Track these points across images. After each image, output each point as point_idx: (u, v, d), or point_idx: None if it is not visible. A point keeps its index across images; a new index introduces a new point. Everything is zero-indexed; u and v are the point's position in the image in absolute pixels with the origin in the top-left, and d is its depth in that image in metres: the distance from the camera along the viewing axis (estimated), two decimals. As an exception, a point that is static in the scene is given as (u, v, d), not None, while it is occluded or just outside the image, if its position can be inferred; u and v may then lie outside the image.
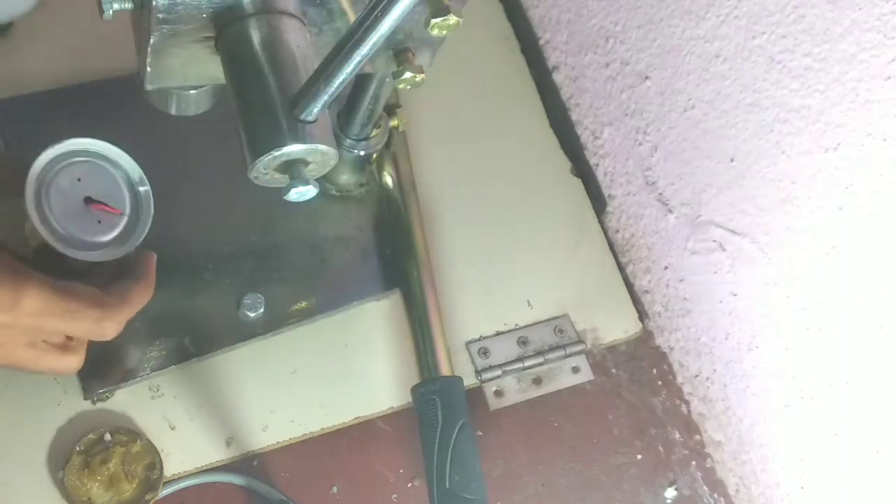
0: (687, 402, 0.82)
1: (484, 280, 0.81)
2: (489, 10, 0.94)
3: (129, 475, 0.66)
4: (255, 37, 0.50)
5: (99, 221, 0.59)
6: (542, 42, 0.92)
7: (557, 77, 0.90)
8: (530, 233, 0.84)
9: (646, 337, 0.84)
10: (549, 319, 0.81)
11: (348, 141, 0.74)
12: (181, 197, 0.73)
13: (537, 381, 0.79)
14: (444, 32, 0.49)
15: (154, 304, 0.63)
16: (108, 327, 0.57)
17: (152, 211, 0.61)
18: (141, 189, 0.61)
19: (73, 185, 0.58)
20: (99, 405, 0.68)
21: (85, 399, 0.68)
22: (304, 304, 0.74)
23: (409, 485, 0.72)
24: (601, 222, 0.87)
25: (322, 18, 0.54)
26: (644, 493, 0.77)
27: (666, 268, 0.81)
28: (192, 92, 0.59)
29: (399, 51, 0.57)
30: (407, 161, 0.82)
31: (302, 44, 0.51)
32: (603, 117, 0.84)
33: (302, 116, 0.48)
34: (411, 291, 0.77)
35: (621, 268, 0.86)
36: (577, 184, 0.88)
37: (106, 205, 0.60)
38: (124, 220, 0.61)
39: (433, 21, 0.48)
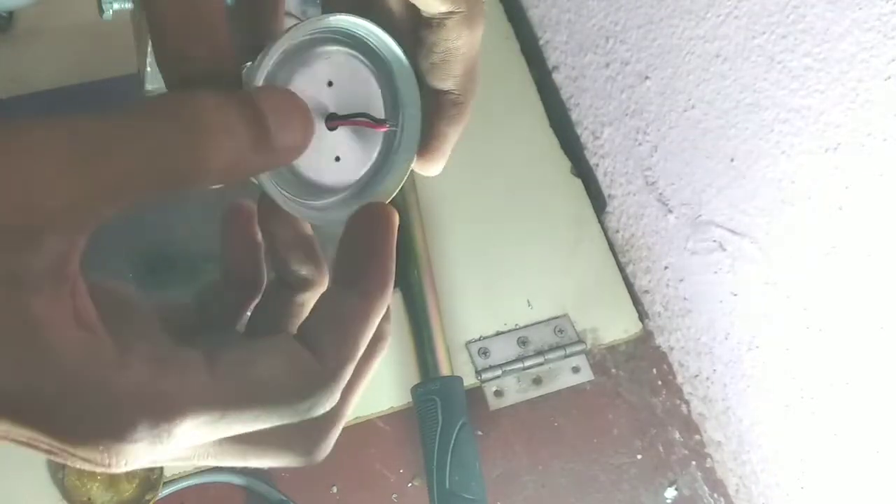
0: (687, 402, 0.82)
1: (484, 280, 0.81)
2: (489, 10, 0.94)
3: (128, 475, 0.66)
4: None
5: (337, 159, 0.34)
6: (542, 42, 0.92)
7: (557, 77, 0.90)
8: (530, 233, 0.84)
9: (646, 337, 0.84)
10: (549, 319, 0.81)
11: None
12: (181, 196, 0.73)
13: (537, 381, 0.79)
14: None
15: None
16: (322, 447, 0.31)
17: (414, 150, 0.35)
18: (407, 111, 0.35)
19: (318, 93, 0.33)
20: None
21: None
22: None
23: (409, 485, 0.72)
24: (601, 222, 0.87)
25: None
26: (644, 493, 0.77)
27: (666, 268, 0.81)
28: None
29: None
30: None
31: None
32: (603, 117, 0.84)
33: None
34: (411, 291, 0.77)
35: (621, 268, 0.86)
36: (577, 184, 0.88)
37: (370, 119, 0.33)
38: (372, 158, 0.35)
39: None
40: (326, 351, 0.28)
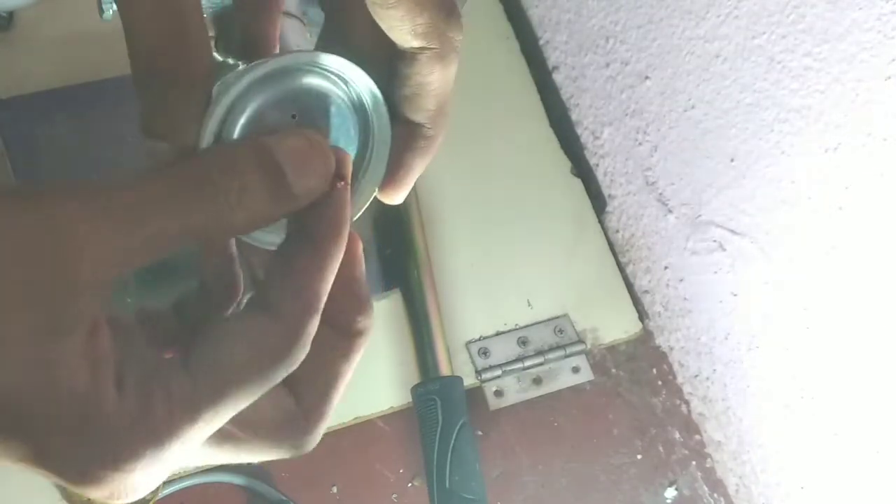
0: (687, 402, 0.82)
1: (484, 280, 0.81)
2: (489, 10, 0.94)
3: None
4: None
5: None
6: (542, 42, 0.92)
7: (557, 77, 0.90)
8: (530, 233, 0.84)
9: (646, 337, 0.84)
10: (549, 319, 0.81)
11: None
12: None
13: (537, 381, 0.79)
14: None
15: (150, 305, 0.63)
16: (311, 438, 0.31)
17: (382, 171, 0.35)
18: (377, 140, 0.35)
19: (281, 125, 0.32)
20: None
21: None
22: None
23: (409, 485, 0.72)
24: (601, 222, 0.87)
25: (322, 18, 0.54)
26: (644, 493, 0.77)
27: (666, 268, 0.81)
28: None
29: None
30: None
31: (302, 44, 0.51)
32: (603, 117, 0.84)
33: None
34: (411, 291, 0.77)
35: (621, 268, 0.86)
36: (577, 184, 0.88)
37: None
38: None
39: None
40: (283, 309, 0.29)
